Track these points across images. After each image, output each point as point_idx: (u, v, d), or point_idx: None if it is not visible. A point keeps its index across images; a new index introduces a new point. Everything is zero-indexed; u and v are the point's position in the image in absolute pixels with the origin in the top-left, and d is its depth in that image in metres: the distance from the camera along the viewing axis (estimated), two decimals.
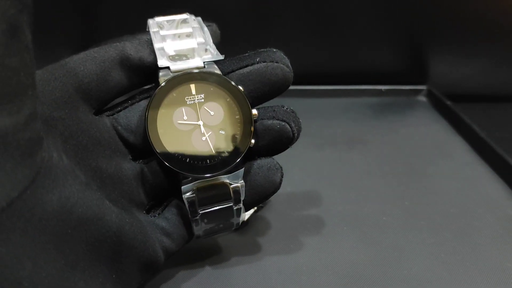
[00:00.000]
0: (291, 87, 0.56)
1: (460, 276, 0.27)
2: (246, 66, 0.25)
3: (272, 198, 0.34)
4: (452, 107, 0.47)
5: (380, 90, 0.53)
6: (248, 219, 0.31)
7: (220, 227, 0.25)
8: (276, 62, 0.25)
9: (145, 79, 0.25)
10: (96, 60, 0.23)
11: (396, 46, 0.52)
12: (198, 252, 0.28)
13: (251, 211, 0.31)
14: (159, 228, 0.24)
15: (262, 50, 0.26)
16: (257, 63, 0.25)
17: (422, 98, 0.53)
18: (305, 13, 0.49)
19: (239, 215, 0.25)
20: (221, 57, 0.25)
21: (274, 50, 0.26)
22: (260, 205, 0.32)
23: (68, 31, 0.47)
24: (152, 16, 0.27)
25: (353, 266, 0.28)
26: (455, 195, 0.35)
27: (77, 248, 0.19)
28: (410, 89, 0.53)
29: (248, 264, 0.28)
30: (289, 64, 0.26)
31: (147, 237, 0.23)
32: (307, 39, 0.50)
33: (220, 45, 0.27)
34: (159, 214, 0.25)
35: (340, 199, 0.34)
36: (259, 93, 0.25)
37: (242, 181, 0.24)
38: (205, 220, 0.24)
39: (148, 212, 0.25)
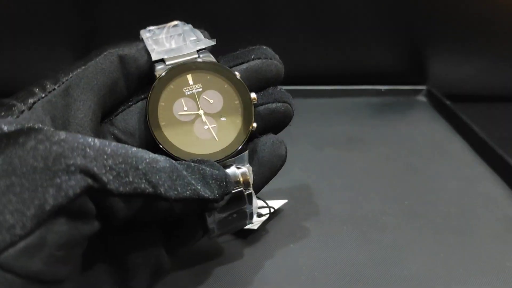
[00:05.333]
0: (291, 87, 0.56)
1: (460, 276, 0.27)
2: (242, 63, 0.26)
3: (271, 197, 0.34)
4: (451, 107, 0.47)
5: (380, 90, 0.53)
6: (258, 228, 0.30)
7: (234, 218, 0.25)
8: (270, 59, 0.26)
9: (141, 87, 0.25)
10: (105, 72, 0.23)
11: (396, 46, 0.52)
12: (197, 251, 0.28)
13: (262, 219, 0.31)
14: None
15: (253, 47, 0.27)
16: (252, 59, 0.26)
17: (421, 98, 0.53)
18: (305, 14, 0.49)
19: (250, 201, 0.25)
20: (213, 42, 0.26)
21: (264, 47, 0.27)
22: (272, 209, 0.32)
23: (69, 30, 0.47)
24: (149, 19, 0.27)
25: (353, 266, 0.28)
26: (454, 195, 0.35)
27: None
28: (410, 89, 0.53)
29: (247, 263, 0.28)
30: (280, 60, 0.27)
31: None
32: (307, 39, 0.50)
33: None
34: None
35: (339, 199, 0.34)
36: (255, 88, 0.26)
37: (248, 164, 0.24)
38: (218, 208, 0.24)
39: None
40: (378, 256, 0.28)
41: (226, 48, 0.28)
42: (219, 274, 0.27)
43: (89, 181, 0.16)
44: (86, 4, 0.46)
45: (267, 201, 0.32)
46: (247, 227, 0.29)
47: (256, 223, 0.30)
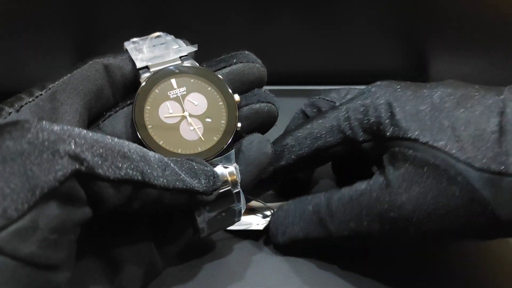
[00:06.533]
0: (292, 87, 0.56)
1: (465, 276, 0.27)
2: (225, 67, 0.27)
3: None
4: None
5: None
6: (264, 228, 0.30)
7: (223, 216, 0.25)
8: (252, 62, 0.27)
9: (127, 95, 0.26)
10: (90, 79, 0.24)
11: (396, 46, 0.52)
12: (197, 252, 0.29)
13: (267, 220, 0.31)
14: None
15: (235, 52, 0.28)
16: (234, 64, 0.27)
17: None
18: (305, 13, 0.49)
19: (239, 199, 0.25)
20: (194, 48, 0.27)
21: (247, 52, 0.28)
22: (271, 210, 0.31)
23: (68, 30, 0.47)
24: (147, 21, 0.27)
25: (353, 266, 0.28)
26: None
27: None
28: None
29: (248, 263, 0.28)
30: (262, 64, 0.28)
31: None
32: (306, 39, 0.50)
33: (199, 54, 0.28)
34: None
35: None
36: (239, 91, 0.27)
37: (235, 164, 0.25)
38: (207, 208, 0.24)
39: None
40: (379, 256, 0.29)
41: (226, 47, 0.28)
42: (217, 274, 0.27)
43: (77, 165, 0.17)
44: (85, 4, 0.46)
45: (266, 203, 0.32)
46: (253, 228, 0.29)
47: (262, 223, 0.30)
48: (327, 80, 0.53)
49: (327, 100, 0.32)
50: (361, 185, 0.26)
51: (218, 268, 0.28)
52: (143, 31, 0.28)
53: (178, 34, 0.28)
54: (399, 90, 0.26)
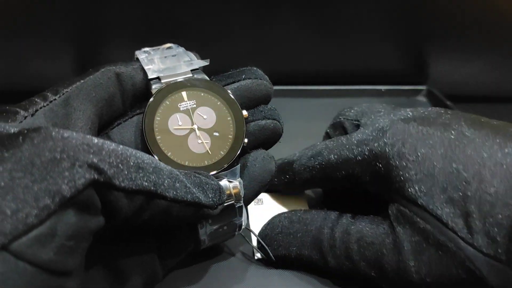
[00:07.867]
0: (291, 87, 0.56)
1: None
2: (233, 82, 0.27)
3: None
4: (452, 107, 0.47)
5: (380, 90, 0.53)
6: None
7: (224, 230, 0.26)
8: (260, 79, 0.27)
9: (136, 104, 0.26)
10: (102, 86, 0.24)
11: (396, 46, 0.52)
12: (197, 253, 0.28)
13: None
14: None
15: (244, 68, 0.28)
16: (243, 79, 0.27)
17: (422, 99, 0.53)
18: (305, 13, 0.49)
19: (241, 214, 0.26)
20: (206, 62, 0.27)
21: (255, 68, 0.28)
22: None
23: (70, 32, 0.47)
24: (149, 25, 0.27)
25: None
26: None
27: None
28: (410, 89, 0.53)
29: (248, 265, 0.28)
30: (269, 80, 0.28)
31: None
32: (307, 39, 0.50)
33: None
34: None
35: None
36: (246, 106, 0.27)
37: (240, 178, 0.25)
38: (210, 221, 0.25)
39: None
40: None
41: (226, 47, 0.28)
42: (218, 276, 0.27)
43: (95, 174, 0.17)
44: (87, 5, 0.46)
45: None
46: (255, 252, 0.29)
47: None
48: (327, 80, 0.53)
49: (350, 120, 0.31)
50: (367, 230, 0.25)
51: (218, 269, 0.28)
52: (143, 31, 0.28)
53: (180, 33, 0.28)
54: (415, 136, 0.24)
